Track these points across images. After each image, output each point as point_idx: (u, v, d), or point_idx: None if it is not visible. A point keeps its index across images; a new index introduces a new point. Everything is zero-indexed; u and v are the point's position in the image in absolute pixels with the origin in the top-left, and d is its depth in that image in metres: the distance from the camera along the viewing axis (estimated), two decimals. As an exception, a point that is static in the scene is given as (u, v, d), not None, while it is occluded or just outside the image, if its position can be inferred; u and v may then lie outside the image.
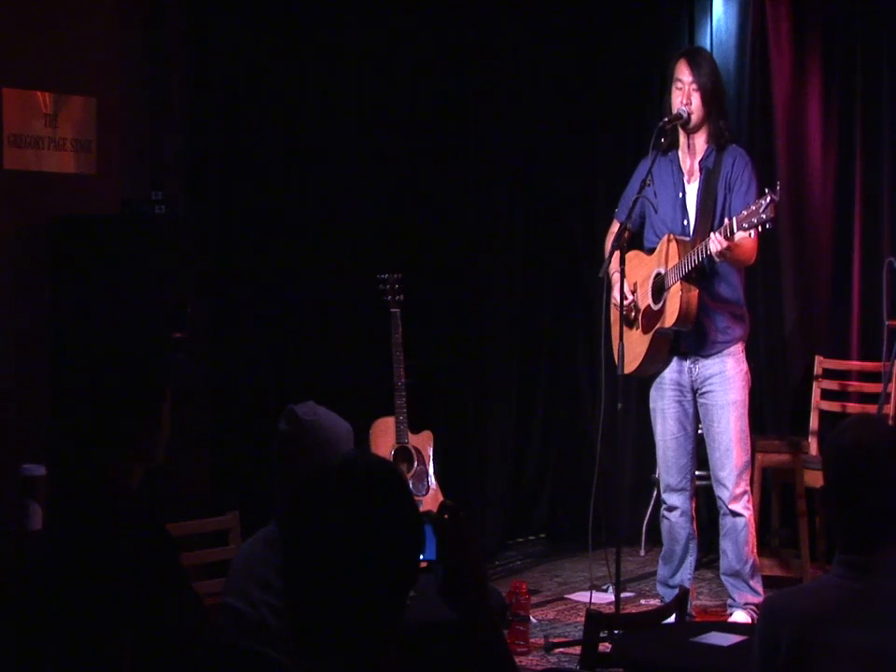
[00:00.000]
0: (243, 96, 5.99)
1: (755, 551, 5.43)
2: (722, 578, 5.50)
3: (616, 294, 5.30)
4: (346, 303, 6.28)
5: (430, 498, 5.82)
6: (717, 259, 5.10)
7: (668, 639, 4.02)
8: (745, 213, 4.95)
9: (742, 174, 5.32)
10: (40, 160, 5.28)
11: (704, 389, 5.39)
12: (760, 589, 5.40)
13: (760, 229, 4.91)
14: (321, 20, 6.20)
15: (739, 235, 5.02)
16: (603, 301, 5.48)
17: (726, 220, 5.06)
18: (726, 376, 5.36)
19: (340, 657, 1.95)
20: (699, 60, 5.38)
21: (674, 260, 5.26)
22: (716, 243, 5.01)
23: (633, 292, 5.44)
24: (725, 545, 5.44)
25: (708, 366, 5.37)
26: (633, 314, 5.44)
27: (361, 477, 1.99)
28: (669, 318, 5.28)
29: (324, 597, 1.94)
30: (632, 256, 5.38)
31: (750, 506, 5.43)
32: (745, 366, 5.41)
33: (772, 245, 6.63)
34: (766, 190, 4.90)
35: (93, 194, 5.39)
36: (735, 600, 5.42)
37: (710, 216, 5.29)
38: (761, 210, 4.86)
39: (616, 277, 5.29)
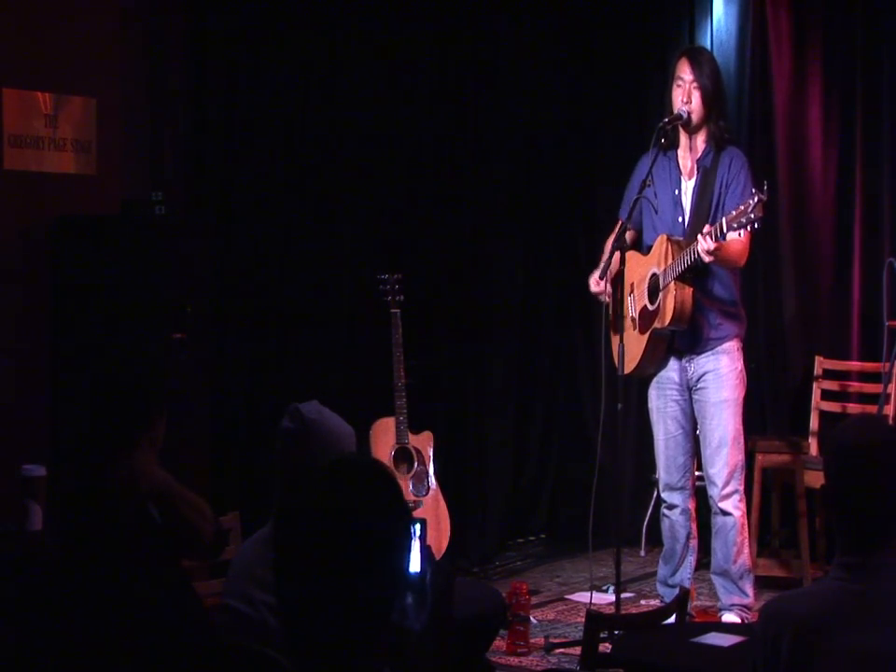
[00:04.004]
0: (243, 96, 5.98)
1: (747, 552, 5.42)
2: (712, 577, 5.51)
3: (624, 297, 5.32)
4: (346, 303, 6.28)
5: (430, 499, 5.82)
6: (706, 260, 5.10)
7: (668, 640, 4.02)
8: (734, 213, 4.97)
9: (738, 174, 5.33)
10: (40, 160, 5.27)
11: (698, 386, 5.41)
12: (749, 591, 5.39)
13: (749, 228, 4.93)
14: (321, 19, 6.20)
15: (730, 236, 5.04)
16: (603, 301, 5.48)
17: (718, 221, 5.08)
18: (720, 374, 5.36)
19: (331, 656, 1.95)
20: (700, 59, 5.39)
21: (669, 260, 5.28)
22: (705, 242, 5.02)
23: (630, 294, 5.44)
24: (715, 544, 5.45)
25: (703, 363, 5.38)
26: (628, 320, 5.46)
27: (351, 476, 2.00)
28: (665, 318, 5.29)
29: (314, 596, 1.94)
30: (629, 256, 5.38)
31: (742, 506, 5.41)
32: (740, 365, 5.42)
33: (772, 244, 6.63)
34: (753, 190, 4.94)
35: (93, 194, 5.39)
36: (723, 602, 5.43)
37: (705, 213, 5.31)
38: (749, 210, 4.88)
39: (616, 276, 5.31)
